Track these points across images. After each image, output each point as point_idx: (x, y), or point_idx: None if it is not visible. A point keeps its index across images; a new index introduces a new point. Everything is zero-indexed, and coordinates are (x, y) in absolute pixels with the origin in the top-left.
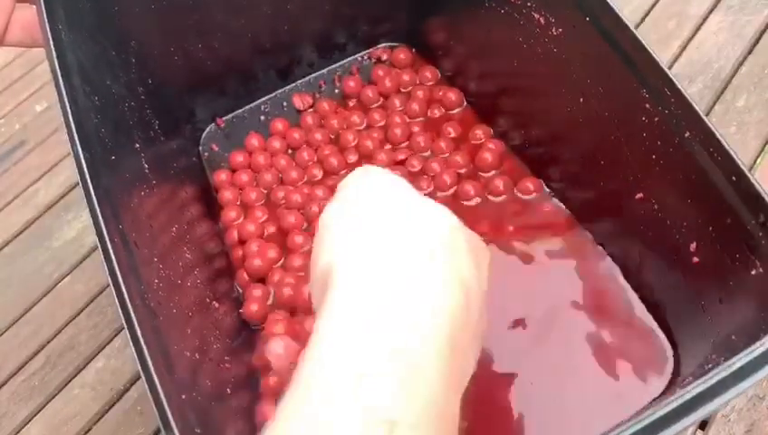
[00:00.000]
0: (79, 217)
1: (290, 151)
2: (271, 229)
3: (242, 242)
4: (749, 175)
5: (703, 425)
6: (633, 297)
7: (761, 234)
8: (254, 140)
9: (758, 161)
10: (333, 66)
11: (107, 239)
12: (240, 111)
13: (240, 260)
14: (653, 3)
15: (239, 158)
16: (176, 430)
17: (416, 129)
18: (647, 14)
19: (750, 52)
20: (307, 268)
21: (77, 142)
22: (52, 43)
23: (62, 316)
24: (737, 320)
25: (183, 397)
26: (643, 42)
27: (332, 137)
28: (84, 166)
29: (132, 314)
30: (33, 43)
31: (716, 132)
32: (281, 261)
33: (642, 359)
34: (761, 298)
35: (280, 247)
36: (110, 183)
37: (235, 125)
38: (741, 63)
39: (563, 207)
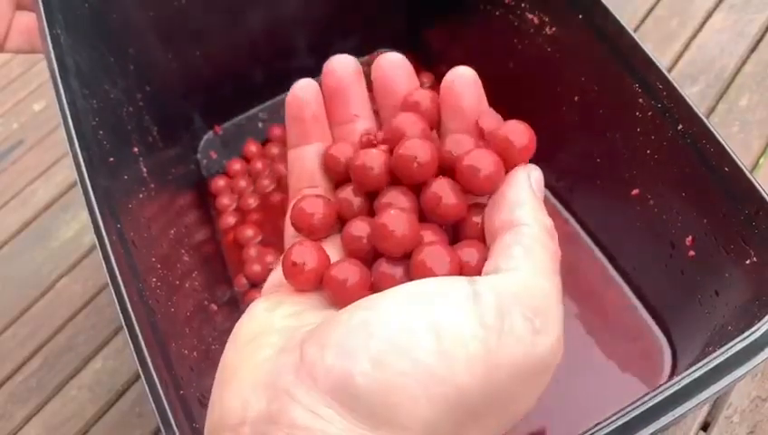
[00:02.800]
0: (77, 217)
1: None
2: (269, 235)
3: (240, 247)
4: (741, 165)
5: (705, 426)
6: (630, 295)
7: (754, 223)
8: (252, 147)
9: (761, 161)
10: None
11: (104, 235)
12: (238, 117)
13: (238, 265)
14: (655, 2)
15: (236, 166)
16: (175, 428)
17: None
18: (648, 13)
19: (753, 50)
20: None
21: (75, 142)
22: (51, 46)
23: (60, 317)
24: (732, 310)
25: (181, 392)
26: (634, 36)
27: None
28: (83, 165)
29: (130, 310)
30: (33, 49)
31: (708, 123)
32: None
33: (640, 357)
34: (755, 286)
35: (278, 252)
36: (108, 184)
37: (233, 132)
38: (744, 62)
39: (559, 205)
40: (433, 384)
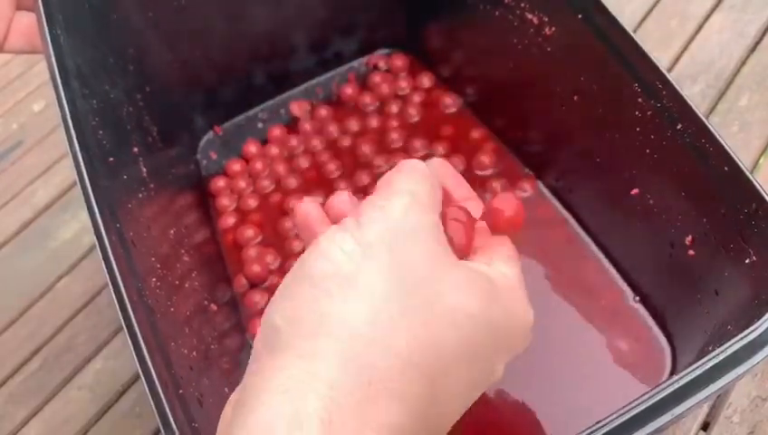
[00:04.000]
0: (76, 217)
1: (287, 155)
2: (269, 235)
3: (239, 248)
4: (740, 164)
5: (705, 426)
6: (630, 295)
7: (753, 222)
8: (251, 147)
9: (761, 161)
10: (331, 73)
11: (104, 235)
12: (238, 118)
13: (238, 265)
14: (654, 2)
15: (236, 166)
16: (174, 427)
17: (413, 132)
18: (648, 14)
19: (752, 51)
20: None
21: (75, 141)
22: (51, 46)
23: (59, 317)
24: (732, 310)
25: (180, 392)
26: (633, 36)
27: (330, 143)
28: (82, 164)
29: (130, 310)
30: (33, 49)
31: (706, 122)
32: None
33: (640, 357)
34: (755, 286)
35: (278, 253)
36: (107, 183)
37: (232, 132)
38: (743, 63)
39: (560, 205)
40: (325, 283)
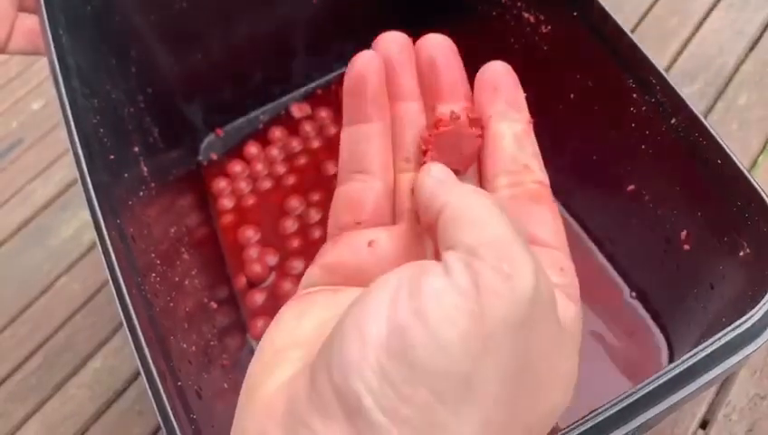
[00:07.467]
0: (76, 215)
1: (287, 156)
2: (269, 235)
3: (240, 248)
4: (733, 156)
5: (704, 425)
6: (626, 291)
7: (747, 215)
8: (252, 149)
9: (760, 160)
10: (331, 75)
11: (104, 229)
12: (239, 120)
13: (238, 265)
14: (654, 0)
15: (237, 167)
16: (172, 417)
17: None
18: (648, 12)
19: (752, 49)
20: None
21: (75, 137)
22: (52, 46)
23: (59, 315)
24: (727, 303)
25: (179, 384)
26: (627, 32)
27: (330, 143)
28: (82, 160)
29: (128, 301)
30: (35, 50)
31: (699, 115)
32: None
33: (637, 352)
34: (749, 278)
35: (278, 253)
36: (107, 180)
37: (233, 134)
38: (743, 61)
39: (557, 202)
40: (438, 384)
